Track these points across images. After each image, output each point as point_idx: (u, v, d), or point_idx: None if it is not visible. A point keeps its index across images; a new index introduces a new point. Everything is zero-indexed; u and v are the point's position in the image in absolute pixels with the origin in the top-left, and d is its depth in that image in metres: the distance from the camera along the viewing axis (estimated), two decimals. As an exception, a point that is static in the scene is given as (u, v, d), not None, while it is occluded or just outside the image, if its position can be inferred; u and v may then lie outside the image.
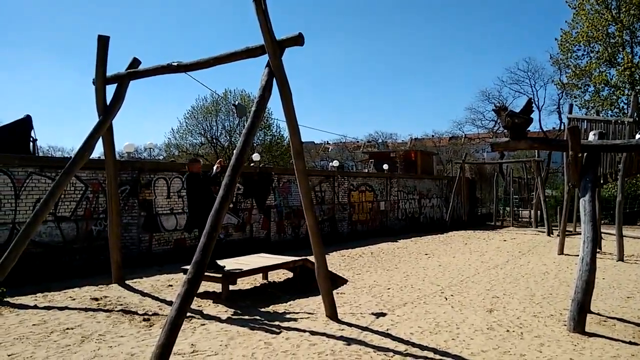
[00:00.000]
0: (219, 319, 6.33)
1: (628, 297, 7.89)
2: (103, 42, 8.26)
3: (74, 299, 7.39)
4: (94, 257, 10.12)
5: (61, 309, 6.77)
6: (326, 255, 6.88)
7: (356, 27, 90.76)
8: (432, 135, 53.02)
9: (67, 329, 5.81)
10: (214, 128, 31.88)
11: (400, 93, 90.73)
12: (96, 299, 7.35)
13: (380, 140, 53.05)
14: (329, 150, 54.67)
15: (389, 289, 8.48)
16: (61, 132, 77.83)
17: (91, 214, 10.30)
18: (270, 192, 14.75)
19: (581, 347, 5.25)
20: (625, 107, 23.01)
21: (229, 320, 6.27)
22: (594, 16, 24.32)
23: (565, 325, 6.00)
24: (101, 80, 8.28)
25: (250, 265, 8.16)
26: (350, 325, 6.10)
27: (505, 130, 7.43)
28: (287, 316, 6.55)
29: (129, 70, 8.19)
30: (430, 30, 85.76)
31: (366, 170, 25.16)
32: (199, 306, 6.96)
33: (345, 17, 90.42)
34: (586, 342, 5.42)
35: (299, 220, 15.32)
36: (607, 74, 24.52)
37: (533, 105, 7.84)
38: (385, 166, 22.67)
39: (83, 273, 9.54)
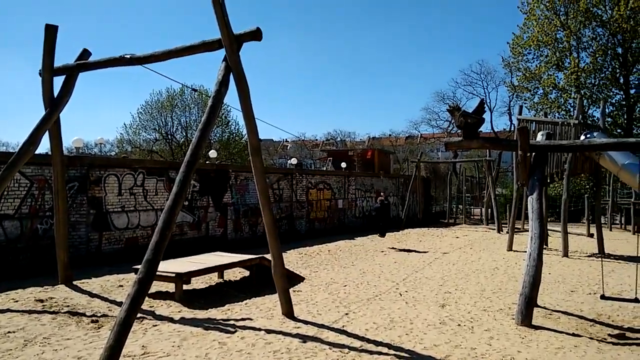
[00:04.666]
0: (171, 320, 6.18)
1: (572, 291, 8.27)
2: (51, 32, 7.87)
3: (16, 301, 7.02)
4: (40, 257, 9.65)
5: (2, 311, 6.42)
6: (283, 253, 6.84)
7: (314, 24, 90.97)
8: (390, 135, 54.02)
9: (9, 332, 5.52)
10: (169, 124, 31.21)
11: (358, 92, 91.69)
12: (41, 301, 7.01)
13: (338, 139, 53.47)
14: (288, 148, 54.54)
15: (345, 286, 8.53)
16: (5, 126, 74.04)
17: (37, 212, 9.82)
18: (227, 190, 14.55)
19: (528, 340, 5.46)
20: (572, 109, 24.14)
21: (182, 321, 6.13)
22: (543, 21, 25.38)
23: (513, 318, 6.22)
24: (48, 71, 7.89)
25: (206, 264, 8.00)
26: (306, 322, 6.10)
27: (459, 130, 7.63)
28: (243, 315, 6.47)
29: (78, 62, 7.84)
30: (388, 30, 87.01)
31: (324, 169, 25.27)
32: (150, 307, 6.77)
33: (303, 15, 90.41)
34: (533, 335, 5.65)
35: (256, 218, 15.18)
36: (555, 78, 25.65)
37: (485, 106, 8.08)
38: (343, 164, 22.86)
39: (28, 274, 9.10)
